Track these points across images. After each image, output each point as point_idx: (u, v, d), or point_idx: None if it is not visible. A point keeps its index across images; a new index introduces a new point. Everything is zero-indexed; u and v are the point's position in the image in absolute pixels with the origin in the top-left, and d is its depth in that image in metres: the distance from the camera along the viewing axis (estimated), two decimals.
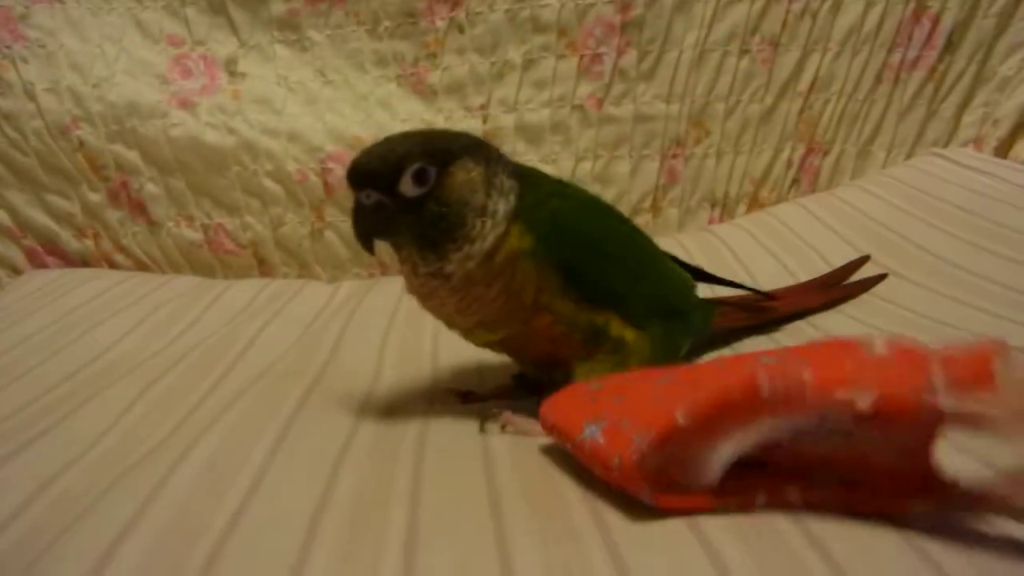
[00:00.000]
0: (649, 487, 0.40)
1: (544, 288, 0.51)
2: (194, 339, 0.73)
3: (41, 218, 1.01)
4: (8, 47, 0.98)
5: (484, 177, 0.50)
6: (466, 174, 0.50)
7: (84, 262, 1.02)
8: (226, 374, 0.64)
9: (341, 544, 0.39)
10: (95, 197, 1.00)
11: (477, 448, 0.49)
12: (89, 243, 1.01)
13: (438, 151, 0.50)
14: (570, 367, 0.54)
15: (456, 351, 0.65)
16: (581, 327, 0.53)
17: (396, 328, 0.74)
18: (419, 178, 0.48)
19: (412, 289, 0.53)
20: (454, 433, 0.52)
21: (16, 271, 1.01)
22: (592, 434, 0.42)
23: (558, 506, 0.42)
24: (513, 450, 0.49)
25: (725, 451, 0.39)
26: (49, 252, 1.02)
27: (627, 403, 0.43)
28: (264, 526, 0.41)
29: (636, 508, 0.40)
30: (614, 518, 0.40)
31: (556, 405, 0.48)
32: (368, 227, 0.50)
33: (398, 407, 0.57)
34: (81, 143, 0.98)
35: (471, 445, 0.50)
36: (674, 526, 0.39)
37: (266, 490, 0.44)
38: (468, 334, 0.55)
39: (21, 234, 1.01)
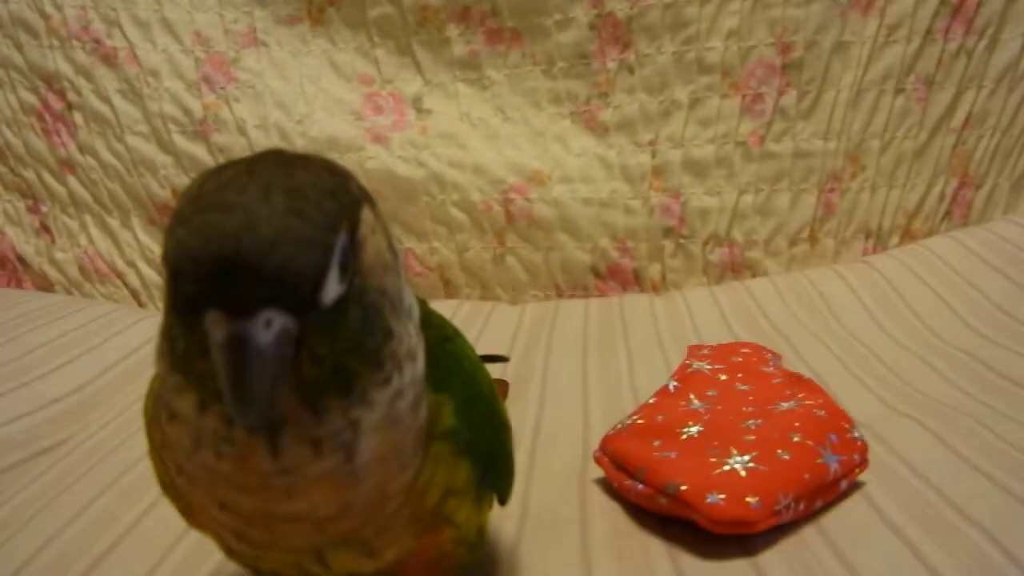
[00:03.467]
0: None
1: (454, 487, 0.36)
2: None
3: None
4: (223, 88, 1.10)
5: (388, 242, 0.33)
6: (374, 238, 0.31)
7: None
8: None
9: None
10: None
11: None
12: None
13: (342, 197, 0.30)
14: None
15: (651, 374, 0.72)
16: (470, 540, 0.39)
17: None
18: (344, 262, 0.29)
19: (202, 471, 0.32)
20: None
21: None
22: (738, 464, 0.50)
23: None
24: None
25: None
26: None
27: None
28: None
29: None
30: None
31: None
32: (271, 382, 0.28)
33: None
34: None
35: None
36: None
37: None
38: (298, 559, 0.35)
39: None
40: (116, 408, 0.73)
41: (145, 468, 0.58)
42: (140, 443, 0.62)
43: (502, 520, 0.52)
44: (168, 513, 0.51)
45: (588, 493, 0.55)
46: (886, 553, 0.46)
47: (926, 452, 0.54)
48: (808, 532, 0.49)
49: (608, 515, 0.52)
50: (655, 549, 0.49)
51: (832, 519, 0.50)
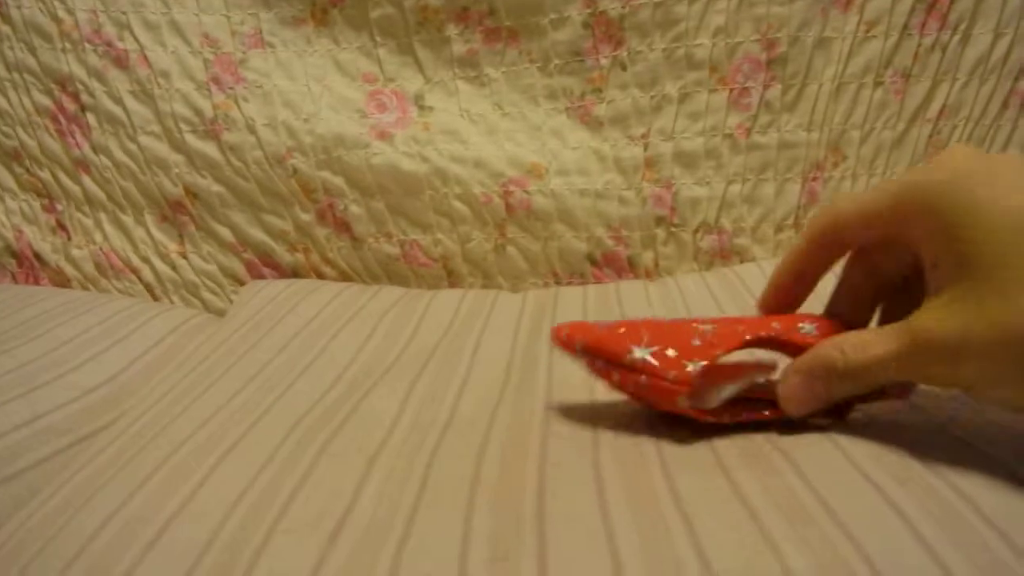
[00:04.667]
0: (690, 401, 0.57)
1: None
2: (424, 345, 0.87)
3: (259, 235, 1.17)
4: (231, 88, 1.14)
5: None
6: None
7: (295, 273, 1.18)
8: (467, 375, 0.78)
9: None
10: (305, 217, 1.15)
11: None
12: (300, 256, 1.17)
13: None
14: None
15: None
16: None
17: None
18: None
19: None
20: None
21: (237, 280, 1.18)
22: (643, 355, 0.58)
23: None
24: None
25: (728, 390, 0.59)
26: (265, 264, 1.18)
27: (664, 339, 0.59)
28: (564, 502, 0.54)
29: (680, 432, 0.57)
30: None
31: (583, 330, 0.62)
32: None
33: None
34: (295, 170, 1.13)
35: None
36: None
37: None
38: None
39: (242, 248, 1.17)
40: (154, 395, 0.78)
41: (193, 447, 0.63)
42: (182, 427, 0.67)
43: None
44: (220, 486, 0.57)
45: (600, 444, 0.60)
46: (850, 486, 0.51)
47: (891, 415, 0.60)
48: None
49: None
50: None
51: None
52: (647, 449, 0.58)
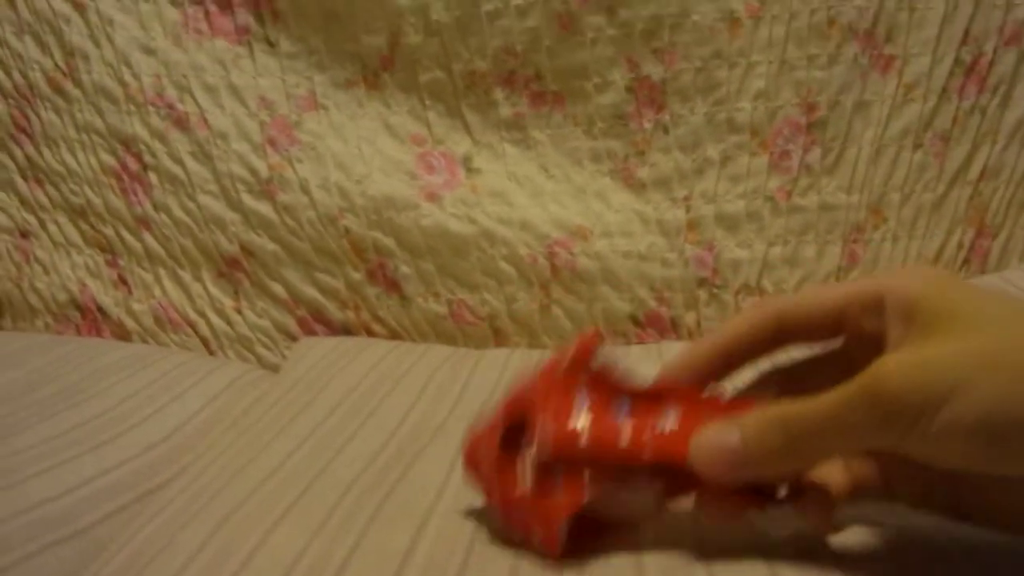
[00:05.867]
0: None
1: None
2: (469, 407, 0.90)
3: (311, 292, 1.21)
4: (286, 150, 1.19)
5: None
6: None
7: (346, 330, 1.21)
8: None
9: None
10: (356, 276, 1.19)
11: None
12: (351, 314, 1.21)
13: None
14: None
15: None
16: None
17: None
18: None
19: None
20: None
21: (289, 335, 1.22)
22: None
23: None
24: None
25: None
26: (317, 320, 1.22)
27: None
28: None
29: None
30: None
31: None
32: None
33: None
34: (347, 231, 1.17)
35: None
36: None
37: None
38: None
39: (295, 305, 1.21)
40: (212, 452, 0.82)
41: (250, 509, 0.67)
42: (238, 488, 0.70)
43: None
44: (275, 551, 0.60)
45: None
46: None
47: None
48: None
49: None
50: None
51: None
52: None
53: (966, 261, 1.17)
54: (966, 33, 1.12)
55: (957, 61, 1.12)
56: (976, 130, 1.14)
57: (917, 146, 1.14)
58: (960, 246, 1.16)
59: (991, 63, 1.13)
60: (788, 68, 1.12)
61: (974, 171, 1.15)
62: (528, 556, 0.57)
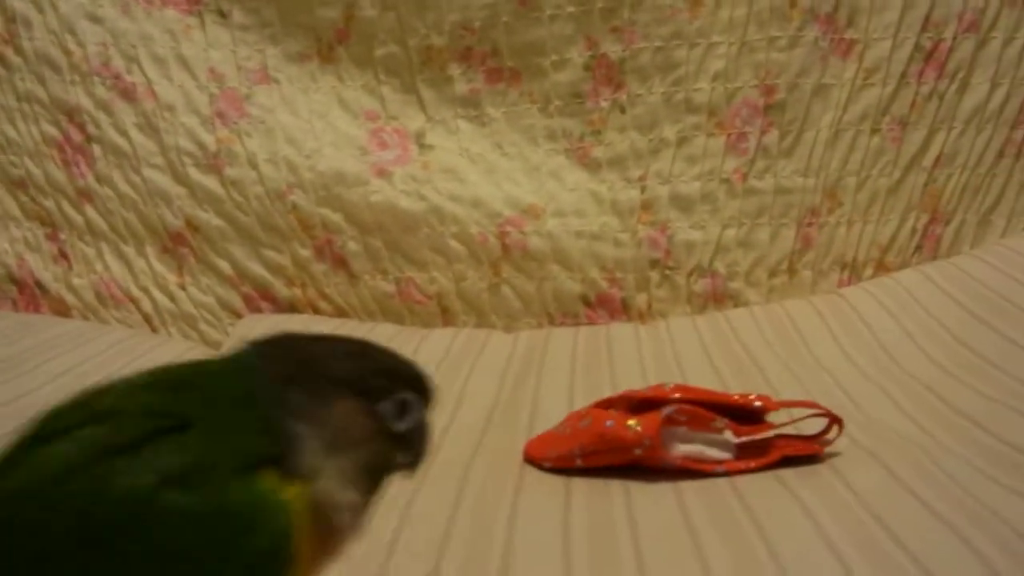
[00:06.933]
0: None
1: None
2: None
3: (257, 269, 1.18)
4: (235, 123, 1.16)
5: None
6: None
7: (292, 307, 1.19)
8: (453, 417, 0.78)
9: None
10: (304, 252, 1.17)
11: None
12: (297, 291, 1.18)
13: None
14: None
15: None
16: None
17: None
18: None
19: None
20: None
21: (234, 312, 1.19)
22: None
23: None
24: None
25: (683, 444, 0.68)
26: (262, 297, 1.19)
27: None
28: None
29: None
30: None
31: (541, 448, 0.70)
32: None
33: None
34: (294, 206, 1.15)
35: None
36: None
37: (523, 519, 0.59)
38: None
39: (240, 282, 1.19)
40: None
41: None
42: None
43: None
44: None
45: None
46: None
47: (873, 482, 0.60)
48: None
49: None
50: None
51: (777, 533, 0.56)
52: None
53: (919, 247, 1.16)
54: (926, 19, 1.11)
55: (917, 47, 1.12)
56: (933, 116, 1.13)
57: (875, 131, 1.13)
58: (913, 232, 1.15)
59: (950, 49, 1.12)
60: (748, 50, 1.10)
61: (930, 157, 1.14)
62: (454, 546, 0.55)
